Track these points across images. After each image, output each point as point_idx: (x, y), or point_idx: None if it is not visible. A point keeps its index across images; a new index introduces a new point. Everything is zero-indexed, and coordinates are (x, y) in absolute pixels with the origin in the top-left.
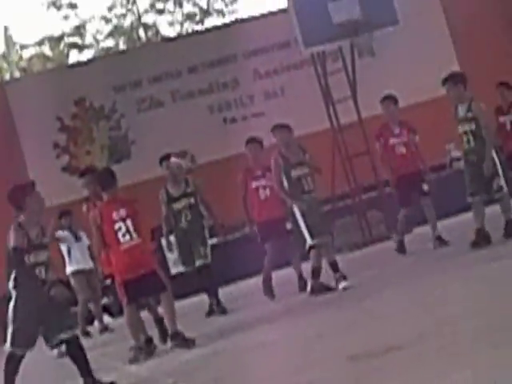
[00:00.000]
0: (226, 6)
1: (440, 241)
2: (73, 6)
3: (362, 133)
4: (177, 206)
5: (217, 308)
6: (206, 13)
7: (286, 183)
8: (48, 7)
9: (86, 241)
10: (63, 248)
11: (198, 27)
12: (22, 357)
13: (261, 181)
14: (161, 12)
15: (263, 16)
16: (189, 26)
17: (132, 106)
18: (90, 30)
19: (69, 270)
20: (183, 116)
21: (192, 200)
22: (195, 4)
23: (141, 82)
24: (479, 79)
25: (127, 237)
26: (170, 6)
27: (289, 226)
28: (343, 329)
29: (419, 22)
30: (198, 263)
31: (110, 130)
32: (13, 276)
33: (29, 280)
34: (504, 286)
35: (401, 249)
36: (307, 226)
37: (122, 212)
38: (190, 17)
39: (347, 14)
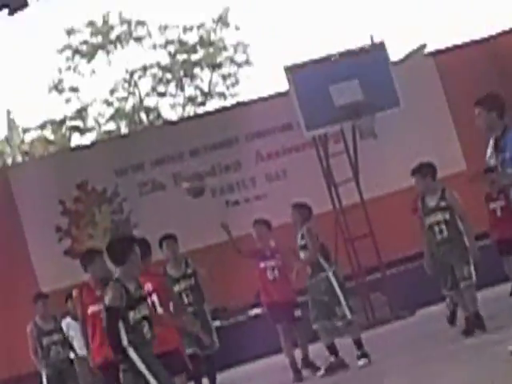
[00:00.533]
0: (228, 88)
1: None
2: (74, 90)
3: (364, 214)
4: (176, 288)
5: None
6: (207, 95)
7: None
8: (50, 91)
9: None
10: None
11: (200, 110)
12: None
13: (270, 261)
14: (162, 95)
15: (265, 99)
16: (190, 109)
17: (134, 190)
18: (92, 113)
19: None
20: (185, 199)
21: (192, 281)
22: (197, 87)
23: (143, 165)
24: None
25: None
26: (171, 88)
27: (297, 312)
28: None
29: (421, 104)
30: (206, 351)
31: (112, 214)
32: (122, 332)
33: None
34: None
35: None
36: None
37: (148, 286)
38: (191, 99)
39: (349, 97)
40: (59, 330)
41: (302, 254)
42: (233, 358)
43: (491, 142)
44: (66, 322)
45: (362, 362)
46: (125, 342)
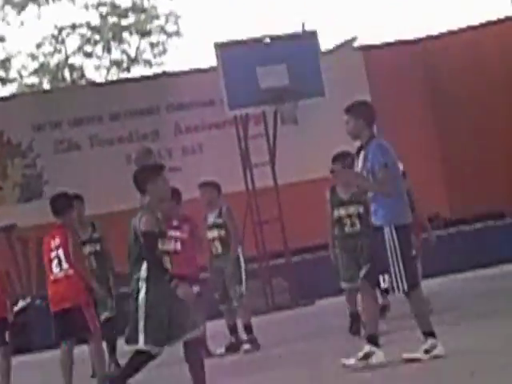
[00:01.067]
0: (155, 57)
1: None
2: (1, 39)
3: (276, 199)
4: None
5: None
6: (133, 61)
7: None
8: None
9: None
10: None
11: (124, 75)
12: (154, 357)
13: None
14: (89, 55)
15: (190, 72)
16: (115, 73)
17: (49, 147)
18: (16, 65)
19: None
20: (100, 162)
21: (98, 247)
22: (124, 51)
23: (61, 123)
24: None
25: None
26: (98, 50)
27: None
28: None
29: (345, 95)
30: (103, 316)
31: (24, 168)
32: (145, 266)
33: (161, 270)
34: None
35: None
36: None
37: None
38: (117, 63)
39: (275, 81)
40: None
41: (215, 232)
42: None
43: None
44: None
45: (246, 346)
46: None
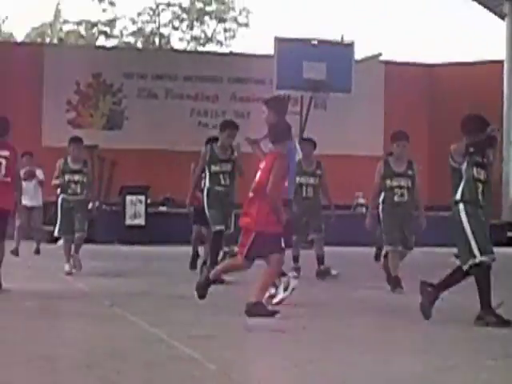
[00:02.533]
0: (226, 39)
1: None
2: (112, 4)
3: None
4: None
5: None
6: (209, 40)
7: None
8: None
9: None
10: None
11: (200, 48)
12: None
13: None
14: (176, 28)
15: (251, 55)
16: (193, 46)
17: (134, 92)
18: (119, 25)
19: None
20: (170, 111)
21: (84, 178)
22: (203, 31)
23: (146, 75)
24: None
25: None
26: (183, 26)
27: None
28: None
29: (365, 97)
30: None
31: (112, 104)
32: None
33: None
34: None
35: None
36: None
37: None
38: (196, 39)
39: (315, 74)
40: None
41: (311, 179)
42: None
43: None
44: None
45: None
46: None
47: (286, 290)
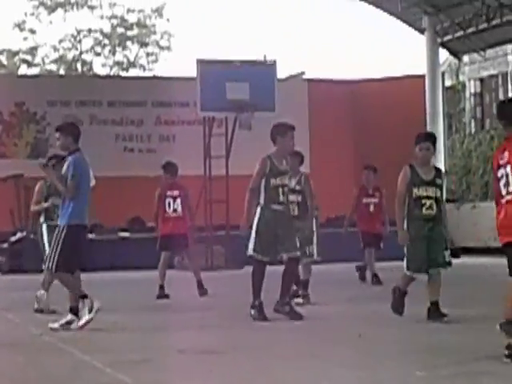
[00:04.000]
0: (148, 63)
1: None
2: (33, 32)
3: (225, 185)
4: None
5: None
6: (131, 64)
7: None
8: (13, 27)
9: None
10: None
11: (123, 73)
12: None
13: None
14: (98, 54)
15: (174, 78)
16: (116, 71)
17: (58, 119)
18: (41, 53)
19: None
20: (95, 137)
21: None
22: (125, 56)
23: (69, 102)
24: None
25: None
26: (106, 51)
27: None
28: None
29: (290, 114)
30: None
31: (36, 132)
32: None
33: None
34: None
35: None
36: None
37: None
38: (119, 64)
39: (238, 94)
40: None
41: (293, 197)
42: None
43: None
44: None
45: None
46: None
47: (90, 311)
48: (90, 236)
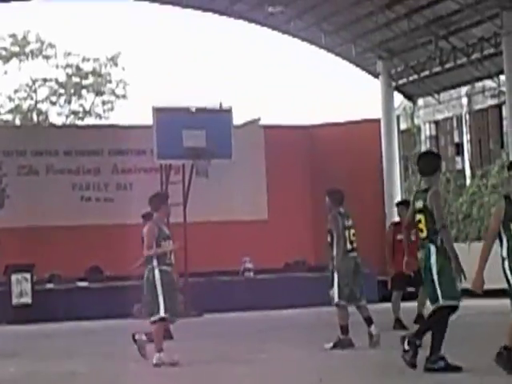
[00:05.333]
0: (104, 112)
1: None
2: None
3: (183, 233)
4: None
5: None
6: (87, 113)
7: None
8: None
9: None
10: None
11: (79, 122)
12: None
13: None
14: (53, 104)
15: (130, 126)
16: (72, 120)
17: (14, 169)
18: None
19: None
20: (52, 186)
21: None
22: (81, 105)
23: (25, 152)
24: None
25: None
26: (61, 101)
27: None
28: None
29: (246, 161)
30: None
31: None
32: None
33: None
34: None
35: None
36: None
37: None
38: (74, 113)
39: (195, 142)
40: None
41: None
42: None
43: None
44: None
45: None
46: None
47: None
48: (48, 286)
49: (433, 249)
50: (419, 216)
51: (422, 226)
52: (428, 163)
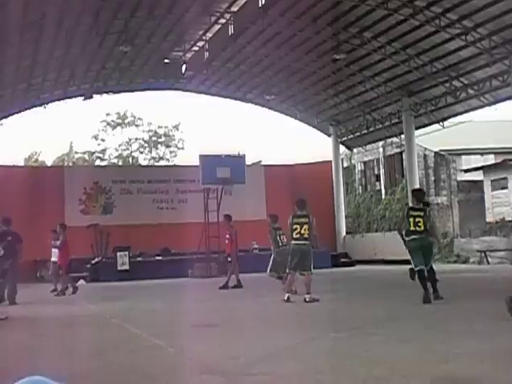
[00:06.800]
0: (171, 157)
1: None
2: (103, 140)
3: (217, 227)
4: None
5: None
6: (161, 158)
7: None
8: (91, 138)
9: None
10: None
11: (158, 163)
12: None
13: None
14: (141, 152)
15: (186, 166)
16: (152, 162)
17: (118, 191)
18: (108, 152)
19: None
20: (144, 204)
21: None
22: (157, 153)
23: (124, 181)
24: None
25: None
26: (146, 150)
27: None
28: None
29: (254, 187)
30: None
31: (106, 199)
32: None
33: None
34: None
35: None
36: None
37: None
38: (154, 158)
39: (223, 174)
40: None
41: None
42: None
43: None
44: None
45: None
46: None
47: None
48: (138, 259)
49: (429, 238)
50: (418, 218)
51: (421, 224)
52: (422, 194)
